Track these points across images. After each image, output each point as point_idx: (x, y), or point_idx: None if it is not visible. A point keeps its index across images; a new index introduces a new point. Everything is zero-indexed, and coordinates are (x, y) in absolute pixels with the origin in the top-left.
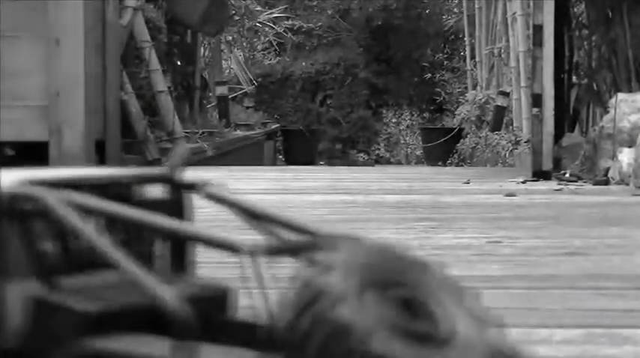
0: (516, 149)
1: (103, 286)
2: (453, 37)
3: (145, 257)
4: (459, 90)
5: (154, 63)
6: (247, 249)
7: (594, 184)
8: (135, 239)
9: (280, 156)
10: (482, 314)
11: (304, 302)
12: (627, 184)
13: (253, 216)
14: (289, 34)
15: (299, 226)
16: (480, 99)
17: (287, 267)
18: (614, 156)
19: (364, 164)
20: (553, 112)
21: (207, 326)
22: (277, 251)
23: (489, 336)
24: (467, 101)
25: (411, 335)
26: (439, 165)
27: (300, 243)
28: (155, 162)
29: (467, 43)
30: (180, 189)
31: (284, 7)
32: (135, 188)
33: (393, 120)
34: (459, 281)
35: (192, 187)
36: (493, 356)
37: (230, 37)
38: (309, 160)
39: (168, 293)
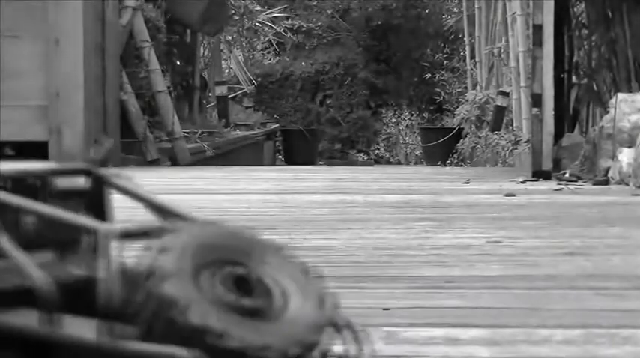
0: (516, 149)
1: None
2: (452, 36)
3: (66, 244)
4: (459, 90)
5: (154, 63)
6: (103, 232)
7: (594, 184)
8: (55, 227)
9: (280, 156)
10: (319, 292)
11: (140, 280)
12: (627, 184)
13: (154, 207)
14: (289, 34)
15: (187, 216)
16: (480, 99)
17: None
18: (613, 156)
19: (364, 164)
20: (553, 112)
21: (73, 303)
22: (130, 234)
23: (323, 312)
24: (466, 101)
25: (241, 310)
26: (439, 165)
27: (151, 227)
28: (154, 162)
29: (467, 42)
30: (100, 182)
31: (283, 6)
32: (51, 180)
33: (393, 120)
34: (302, 262)
35: (103, 179)
36: (320, 328)
37: (229, 37)
38: (308, 160)
39: (37, 275)
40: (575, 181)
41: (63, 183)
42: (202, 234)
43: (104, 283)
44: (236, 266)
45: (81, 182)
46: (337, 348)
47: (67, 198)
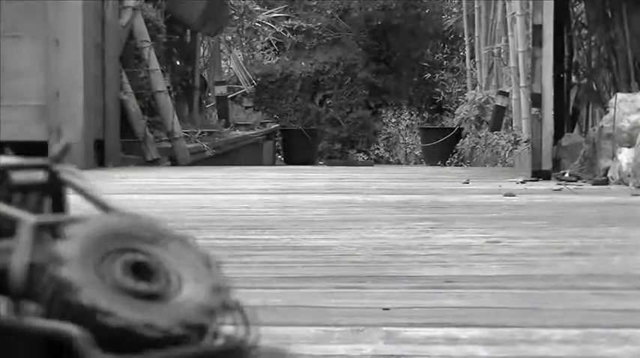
0: (516, 149)
1: None
2: (452, 36)
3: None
4: (459, 90)
5: (154, 63)
6: (22, 221)
7: (594, 184)
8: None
9: (279, 156)
10: (215, 279)
11: (44, 264)
12: (627, 184)
13: (100, 206)
14: (288, 34)
15: (122, 211)
16: (480, 99)
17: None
18: (613, 156)
19: (363, 164)
20: (552, 112)
21: None
22: (46, 225)
23: (215, 297)
24: (466, 101)
25: (136, 293)
26: (438, 165)
27: (62, 218)
28: (154, 162)
29: (466, 42)
30: (57, 178)
31: (283, 6)
32: (9, 174)
33: (393, 120)
34: (206, 251)
35: (57, 175)
36: (209, 312)
37: (229, 37)
38: (308, 160)
39: None
40: (575, 181)
41: (22, 177)
42: (109, 224)
43: (15, 267)
44: (138, 253)
45: (40, 177)
46: (227, 330)
47: (27, 191)
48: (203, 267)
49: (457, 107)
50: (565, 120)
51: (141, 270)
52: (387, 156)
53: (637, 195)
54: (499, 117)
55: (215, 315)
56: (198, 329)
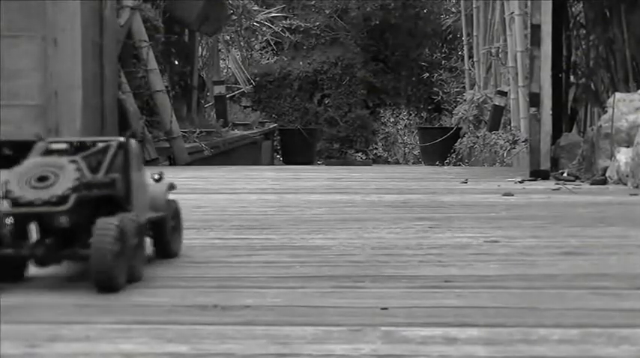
0: (514, 148)
1: None
2: (450, 36)
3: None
4: (457, 89)
5: (152, 62)
6: None
7: (592, 184)
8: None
9: (278, 156)
10: (73, 176)
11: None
12: (625, 184)
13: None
14: (287, 34)
15: None
16: (478, 99)
17: None
18: (611, 156)
19: (362, 163)
20: (551, 112)
21: None
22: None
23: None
24: (464, 101)
25: (35, 187)
26: (437, 165)
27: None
28: (153, 162)
29: (465, 42)
30: (127, 146)
31: (282, 6)
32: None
33: (391, 120)
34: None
35: (126, 144)
36: (71, 191)
37: (228, 37)
38: (306, 160)
39: None
40: (573, 181)
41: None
42: (33, 162)
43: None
44: (44, 172)
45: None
46: None
47: (105, 153)
48: (71, 171)
49: (455, 107)
50: (563, 119)
51: (41, 178)
52: (386, 155)
53: (635, 194)
54: (497, 117)
55: (74, 191)
56: (64, 196)
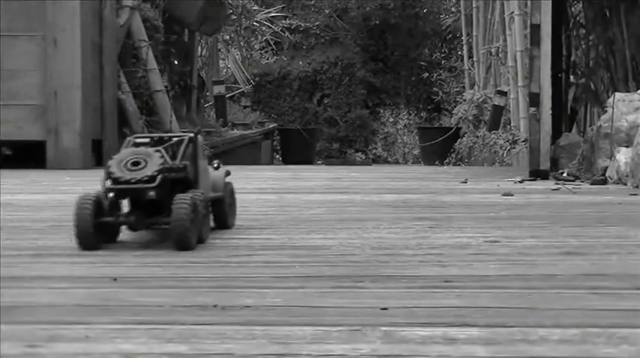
0: (514, 148)
1: None
2: (450, 36)
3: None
4: (457, 89)
5: (151, 62)
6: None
7: (592, 184)
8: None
9: (277, 156)
10: (163, 166)
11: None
12: (625, 184)
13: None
14: (286, 34)
15: None
16: (478, 99)
17: None
18: (611, 156)
19: (362, 163)
20: (550, 112)
21: None
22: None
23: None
24: (464, 100)
25: (130, 169)
26: (436, 165)
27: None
28: None
29: (464, 42)
30: (196, 139)
31: (281, 6)
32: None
33: (391, 120)
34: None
35: (195, 138)
36: (156, 171)
37: (227, 37)
38: (306, 160)
39: None
40: (573, 181)
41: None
42: (129, 151)
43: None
44: (137, 158)
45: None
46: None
47: (179, 145)
48: (159, 158)
49: (455, 106)
50: (563, 119)
51: (135, 163)
52: (385, 155)
53: (635, 194)
54: (497, 117)
55: (159, 173)
56: (153, 176)
